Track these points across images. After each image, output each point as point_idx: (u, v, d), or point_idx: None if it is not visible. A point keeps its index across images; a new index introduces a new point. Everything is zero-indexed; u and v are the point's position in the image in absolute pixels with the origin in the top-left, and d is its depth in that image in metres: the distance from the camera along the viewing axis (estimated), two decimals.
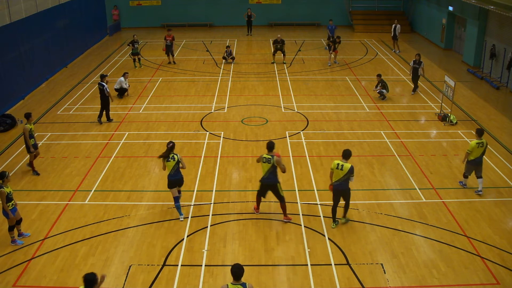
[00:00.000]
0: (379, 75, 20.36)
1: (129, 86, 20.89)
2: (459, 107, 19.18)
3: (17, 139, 16.64)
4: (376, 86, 20.17)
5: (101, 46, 30.70)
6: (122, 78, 20.44)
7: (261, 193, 11.73)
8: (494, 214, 12.12)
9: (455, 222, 11.75)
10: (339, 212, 11.58)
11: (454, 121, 17.59)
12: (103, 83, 17.63)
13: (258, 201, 11.93)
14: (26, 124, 13.91)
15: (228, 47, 26.22)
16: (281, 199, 11.56)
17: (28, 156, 14.32)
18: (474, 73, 23.82)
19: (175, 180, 11.70)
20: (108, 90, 17.66)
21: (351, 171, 10.88)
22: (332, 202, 11.44)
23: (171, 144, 11.69)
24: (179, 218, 11.85)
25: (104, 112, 17.88)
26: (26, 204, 12.61)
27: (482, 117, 18.34)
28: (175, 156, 11.61)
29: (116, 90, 20.63)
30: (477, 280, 9.82)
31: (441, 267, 10.18)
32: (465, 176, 13.27)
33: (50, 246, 10.94)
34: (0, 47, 19.10)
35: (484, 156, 14.99)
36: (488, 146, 15.72)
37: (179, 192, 11.95)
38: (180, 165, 11.72)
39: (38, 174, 14.19)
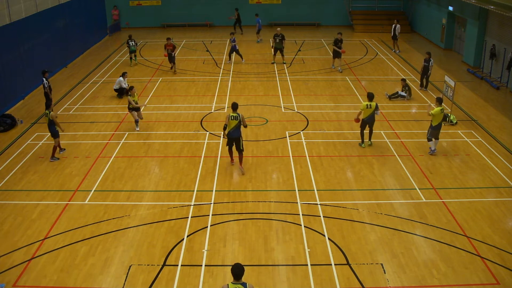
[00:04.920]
0: (403, 80, 20.53)
1: (128, 86, 20.85)
2: (459, 107, 19.18)
3: (17, 139, 16.65)
4: (405, 90, 20.30)
5: (101, 46, 30.71)
6: (121, 78, 20.44)
7: (229, 145, 14.20)
8: (494, 214, 12.13)
9: (455, 222, 11.75)
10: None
11: (454, 121, 17.60)
12: (43, 79, 17.99)
13: (230, 154, 14.47)
14: (51, 111, 14.99)
15: (232, 33, 25.95)
16: (240, 151, 14.04)
17: (55, 140, 15.12)
18: (474, 73, 23.83)
19: (131, 108, 16.96)
20: (46, 86, 17.89)
21: (377, 107, 15.15)
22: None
23: (130, 87, 17.26)
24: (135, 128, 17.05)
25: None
26: (26, 204, 12.62)
27: (482, 117, 18.34)
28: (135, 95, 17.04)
29: (116, 90, 20.65)
30: (477, 280, 9.82)
31: (441, 267, 10.18)
32: (429, 140, 15.24)
33: (50, 246, 10.94)
34: (0, 47, 19.11)
35: (484, 156, 15.12)
36: (488, 145, 15.83)
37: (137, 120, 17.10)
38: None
39: (57, 158, 15.27)
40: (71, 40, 26.59)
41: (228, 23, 35.64)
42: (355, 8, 35.52)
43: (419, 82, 21.83)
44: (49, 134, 16.88)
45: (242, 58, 26.01)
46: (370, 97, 15.18)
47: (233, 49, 25.58)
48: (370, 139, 15.72)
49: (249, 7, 35.77)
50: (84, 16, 28.80)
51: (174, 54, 23.91)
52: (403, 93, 20.19)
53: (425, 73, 21.13)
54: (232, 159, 14.50)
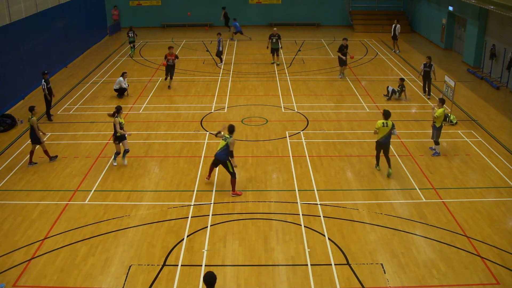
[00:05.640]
0: (401, 79, 20.20)
1: (128, 85, 20.89)
2: (459, 107, 19.18)
3: (17, 139, 16.64)
4: (400, 89, 20.16)
5: (101, 46, 30.71)
6: (121, 78, 20.44)
7: (213, 164, 13.30)
8: (494, 214, 12.13)
9: (455, 222, 11.75)
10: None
11: (454, 121, 17.60)
12: (42, 80, 17.75)
13: (211, 170, 13.45)
14: (33, 117, 14.47)
15: (219, 33, 25.74)
16: (231, 174, 12.89)
17: (39, 146, 14.75)
18: (474, 73, 23.83)
19: (118, 136, 14.31)
20: (44, 87, 17.67)
21: (393, 126, 13.56)
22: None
23: (118, 108, 14.40)
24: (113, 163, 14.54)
25: (48, 110, 18.26)
26: (26, 204, 12.62)
27: (482, 117, 18.34)
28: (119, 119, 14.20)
29: (116, 90, 20.65)
30: (477, 280, 9.82)
31: (441, 267, 10.18)
32: (438, 143, 15.03)
33: (50, 246, 10.94)
34: (0, 47, 19.11)
35: (484, 156, 15.13)
36: (488, 145, 15.84)
37: (126, 151, 14.51)
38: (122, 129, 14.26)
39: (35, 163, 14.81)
40: (71, 40, 26.59)
41: (229, 22, 35.69)
42: (355, 8, 35.52)
43: (422, 89, 20.85)
44: (48, 134, 16.95)
45: (219, 61, 25.72)
46: (387, 115, 13.56)
47: (217, 49, 25.45)
48: (389, 166, 13.81)
49: (249, 7, 35.81)
50: (84, 16, 28.80)
51: (175, 65, 21.71)
52: (395, 89, 20.11)
53: (426, 78, 20.27)
54: (209, 175, 13.41)
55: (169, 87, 21.77)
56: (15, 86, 20.19)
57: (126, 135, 14.40)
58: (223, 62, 25.85)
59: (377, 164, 14.29)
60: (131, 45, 27.49)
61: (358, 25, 34.57)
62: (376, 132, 13.61)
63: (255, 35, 32.91)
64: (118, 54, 28.28)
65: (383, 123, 13.52)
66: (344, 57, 22.60)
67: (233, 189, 12.90)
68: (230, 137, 12.75)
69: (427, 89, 20.53)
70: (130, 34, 27.19)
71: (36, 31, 22.25)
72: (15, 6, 20.57)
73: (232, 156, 12.82)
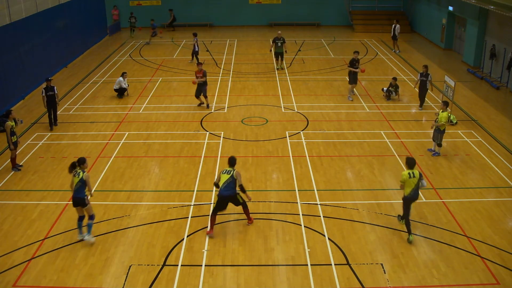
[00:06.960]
0: (394, 78, 20.09)
1: (128, 85, 20.89)
2: (459, 107, 19.18)
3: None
4: (393, 89, 20.06)
5: (101, 46, 30.71)
6: (121, 78, 20.44)
7: (216, 208, 11.12)
8: (494, 214, 12.12)
9: (455, 222, 11.75)
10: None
11: (454, 121, 17.60)
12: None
13: (212, 221, 11.11)
14: (7, 121, 14.12)
15: (194, 34, 25.71)
16: (242, 205, 11.32)
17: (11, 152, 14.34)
18: (474, 73, 23.83)
19: (75, 199, 10.69)
20: (43, 94, 17.09)
21: (421, 176, 10.92)
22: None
23: (79, 159, 10.79)
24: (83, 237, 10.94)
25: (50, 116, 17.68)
26: (26, 204, 12.62)
27: (482, 117, 18.34)
28: (80, 172, 10.64)
29: (116, 90, 20.65)
30: (477, 280, 9.82)
31: (441, 267, 10.18)
32: (441, 145, 15.01)
33: (50, 246, 10.93)
34: (0, 47, 19.10)
35: (484, 156, 15.13)
36: (488, 145, 15.83)
37: (91, 216, 10.92)
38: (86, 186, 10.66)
39: (19, 169, 14.39)
40: (71, 40, 26.59)
41: (229, 22, 35.75)
42: (355, 8, 35.52)
43: (419, 101, 19.00)
44: (48, 134, 16.97)
45: (192, 58, 25.86)
46: (411, 163, 10.89)
47: (193, 49, 25.44)
48: (410, 232, 10.97)
49: (249, 7, 35.81)
50: (84, 16, 28.80)
51: (206, 83, 19.05)
52: (390, 89, 20.08)
53: (422, 89, 18.48)
54: (211, 228, 11.09)
55: (208, 106, 19.36)
56: (15, 86, 20.18)
57: (88, 198, 10.77)
58: (199, 61, 25.86)
59: (410, 232, 10.99)
60: (133, 29, 32.03)
61: (358, 25, 34.56)
62: (402, 187, 11.00)
63: (255, 35, 32.97)
64: (118, 54, 28.28)
65: (409, 173, 10.81)
66: (356, 70, 19.79)
67: (249, 218, 11.56)
68: (233, 170, 11.07)
69: (419, 100, 18.90)
70: (132, 20, 31.85)
71: (36, 31, 22.25)
72: (15, 6, 20.57)
73: (244, 191, 11.22)
